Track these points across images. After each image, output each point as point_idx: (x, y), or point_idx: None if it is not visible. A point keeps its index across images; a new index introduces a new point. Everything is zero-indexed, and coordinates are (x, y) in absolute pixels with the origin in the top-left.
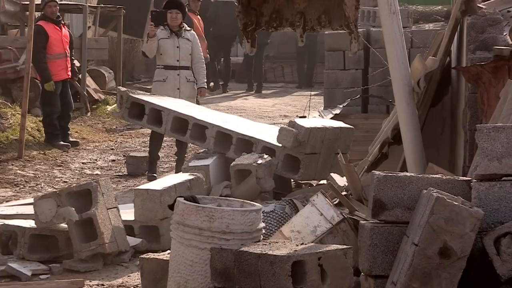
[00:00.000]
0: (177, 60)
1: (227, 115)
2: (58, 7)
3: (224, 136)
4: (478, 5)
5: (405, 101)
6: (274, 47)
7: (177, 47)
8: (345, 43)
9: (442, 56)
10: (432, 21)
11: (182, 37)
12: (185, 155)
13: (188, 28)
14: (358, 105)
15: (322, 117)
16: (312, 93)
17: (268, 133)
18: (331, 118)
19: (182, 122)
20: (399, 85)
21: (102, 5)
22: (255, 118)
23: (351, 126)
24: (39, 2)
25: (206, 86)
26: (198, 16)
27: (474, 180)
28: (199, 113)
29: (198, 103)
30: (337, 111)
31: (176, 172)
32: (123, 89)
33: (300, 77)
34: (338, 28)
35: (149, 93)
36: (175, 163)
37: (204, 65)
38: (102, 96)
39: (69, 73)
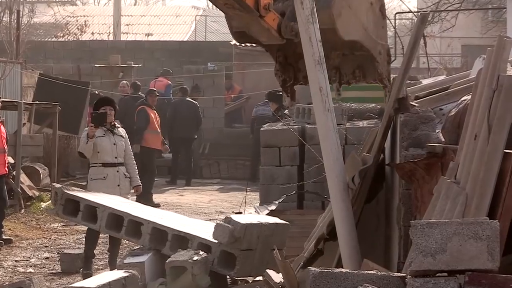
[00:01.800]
0: (115, 157)
1: (162, 211)
2: (0, 104)
3: (160, 233)
4: (411, 103)
5: (340, 197)
6: (211, 143)
7: (114, 144)
8: (281, 139)
9: (376, 152)
10: (366, 118)
11: (117, 134)
12: (119, 251)
13: (119, 125)
14: (294, 201)
15: (258, 213)
16: (248, 189)
17: (204, 229)
18: (267, 214)
19: (117, 219)
20: (334, 181)
21: (38, 102)
22: (191, 214)
23: (287, 222)
24: None
25: (140, 184)
26: (155, 111)
27: (408, 276)
28: (134, 209)
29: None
30: (273, 207)
31: (110, 269)
32: (57, 185)
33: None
34: (372, 82)
35: (84, 190)
36: (108, 259)
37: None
38: (37, 193)
39: (6, 169)
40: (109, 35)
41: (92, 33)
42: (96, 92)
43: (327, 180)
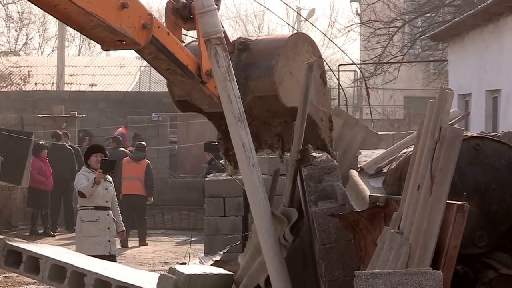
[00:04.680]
0: (106, 201)
1: (106, 262)
2: None
3: (103, 284)
4: (312, 154)
5: (272, 251)
6: (155, 193)
7: (106, 189)
8: (225, 190)
9: (289, 202)
10: None
11: (107, 180)
12: None
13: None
14: (239, 252)
15: (203, 264)
16: (193, 239)
17: (148, 280)
18: (212, 265)
19: (60, 270)
20: (265, 236)
21: None
22: (135, 265)
23: (231, 273)
24: None
25: (124, 229)
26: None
27: None
28: (77, 260)
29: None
30: (218, 258)
31: None
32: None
33: None
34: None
35: (26, 241)
36: None
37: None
38: None
39: None
40: (52, 85)
41: (36, 84)
42: (42, 142)
43: (258, 235)
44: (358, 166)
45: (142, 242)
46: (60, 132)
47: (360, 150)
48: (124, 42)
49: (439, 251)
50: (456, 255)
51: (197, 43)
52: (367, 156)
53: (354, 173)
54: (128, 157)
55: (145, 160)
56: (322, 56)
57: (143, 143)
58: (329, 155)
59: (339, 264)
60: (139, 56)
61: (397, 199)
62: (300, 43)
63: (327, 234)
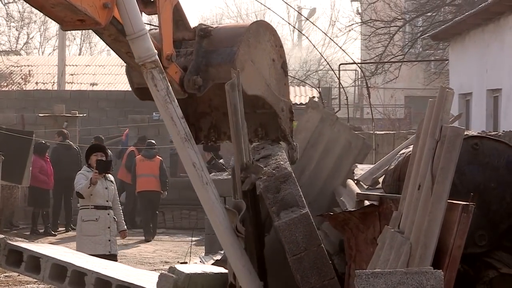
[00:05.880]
0: (107, 201)
1: (107, 261)
2: None
3: (104, 283)
4: (258, 164)
5: (240, 263)
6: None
7: (106, 188)
8: (226, 189)
9: (243, 197)
10: None
11: (108, 179)
12: None
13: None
14: None
15: (203, 263)
16: (194, 238)
17: (149, 280)
18: (212, 264)
19: (61, 269)
20: (230, 250)
21: None
22: (136, 264)
23: None
24: None
25: (126, 228)
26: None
27: None
28: (78, 259)
29: None
30: (218, 257)
31: None
32: (0, 236)
33: None
34: (274, 140)
35: (27, 240)
36: None
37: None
38: None
39: None
40: (53, 84)
41: (36, 83)
42: (43, 142)
43: (224, 250)
44: (355, 178)
45: (152, 237)
46: (66, 131)
47: (356, 164)
48: (84, 22)
49: (443, 251)
50: (460, 256)
51: (157, 31)
52: (363, 170)
53: (351, 182)
54: (140, 155)
55: (158, 157)
56: (323, 55)
57: (153, 141)
58: (289, 146)
59: (313, 271)
60: None
61: (393, 198)
62: (262, 31)
63: (295, 244)
